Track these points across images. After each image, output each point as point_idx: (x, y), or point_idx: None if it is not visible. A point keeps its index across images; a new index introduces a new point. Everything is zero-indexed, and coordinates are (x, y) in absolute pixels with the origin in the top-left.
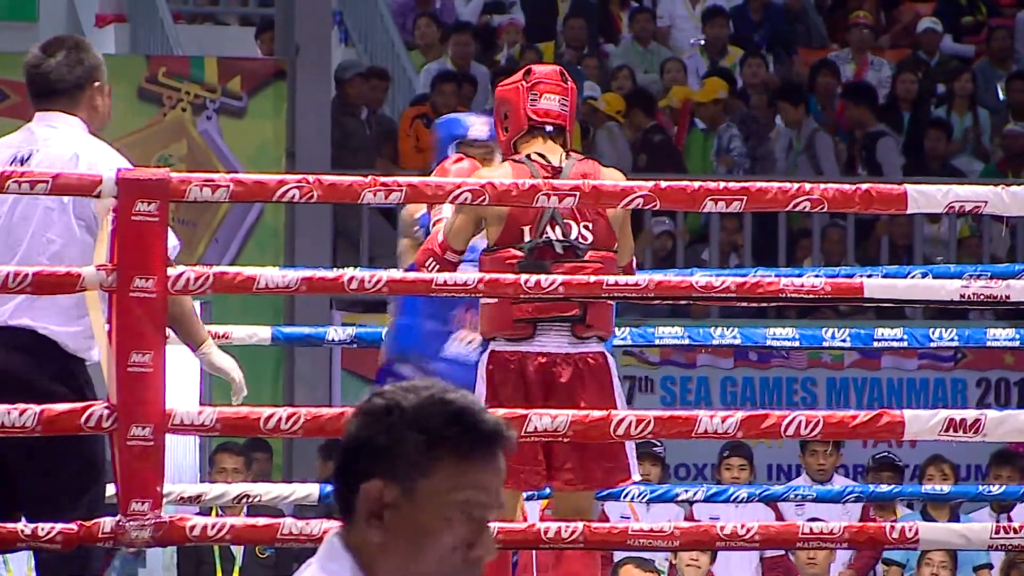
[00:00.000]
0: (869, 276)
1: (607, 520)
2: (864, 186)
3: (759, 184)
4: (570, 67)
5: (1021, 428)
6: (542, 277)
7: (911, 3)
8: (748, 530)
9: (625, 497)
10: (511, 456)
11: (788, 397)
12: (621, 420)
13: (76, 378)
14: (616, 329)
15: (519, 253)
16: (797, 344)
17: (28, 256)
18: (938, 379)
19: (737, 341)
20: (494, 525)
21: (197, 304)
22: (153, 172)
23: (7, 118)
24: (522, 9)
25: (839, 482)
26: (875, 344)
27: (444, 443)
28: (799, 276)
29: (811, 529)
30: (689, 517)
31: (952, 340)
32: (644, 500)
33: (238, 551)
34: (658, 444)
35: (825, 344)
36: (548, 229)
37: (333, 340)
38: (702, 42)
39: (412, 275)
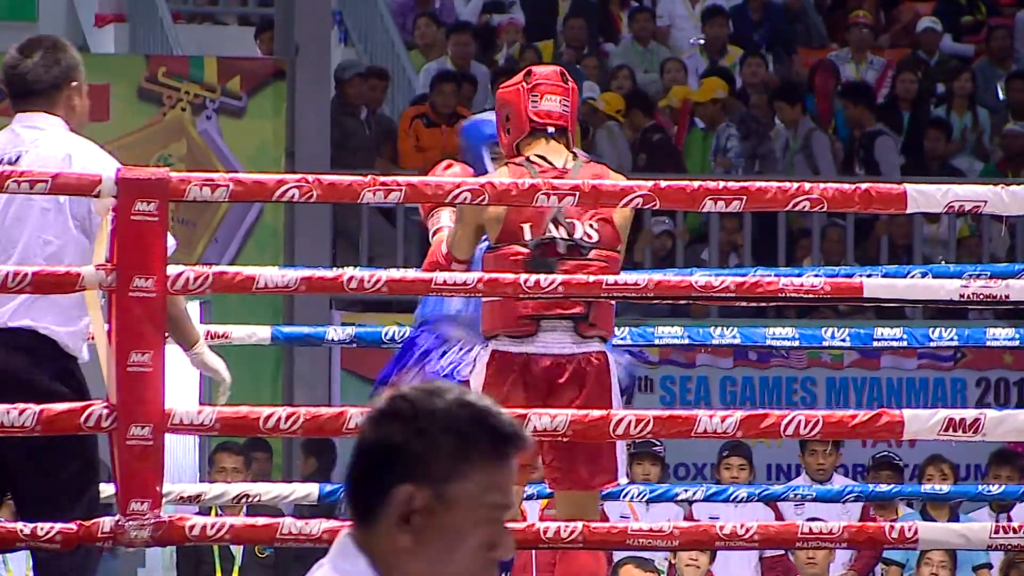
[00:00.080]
0: (869, 276)
1: (607, 520)
2: (864, 186)
3: (759, 184)
4: (570, 67)
5: (1020, 428)
6: (542, 277)
7: (911, 2)
8: (747, 530)
9: (625, 497)
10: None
11: (787, 397)
12: (621, 420)
13: (75, 377)
14: (616, 329)
15: (524, 250)
16: (797, 344)
17: (25, 257)
18: (937, 379)
19: (737, 341)
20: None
21: (196, 304)
22: (153, 172)
23: (7, 117)
24: (522, 9)
25: (839, 482)
26: (875, 344)
27: (475, 447)
28: (799, 276)
29: (810, 529)
30: (688, 517)
31: (952, 340)
32: (643, 500)
33: (237, 551)
34: (658, 444)
35: (825, 344)
36: (552, 228)
37: (333, 340)
38: (701, 42)
39: (412, 275)
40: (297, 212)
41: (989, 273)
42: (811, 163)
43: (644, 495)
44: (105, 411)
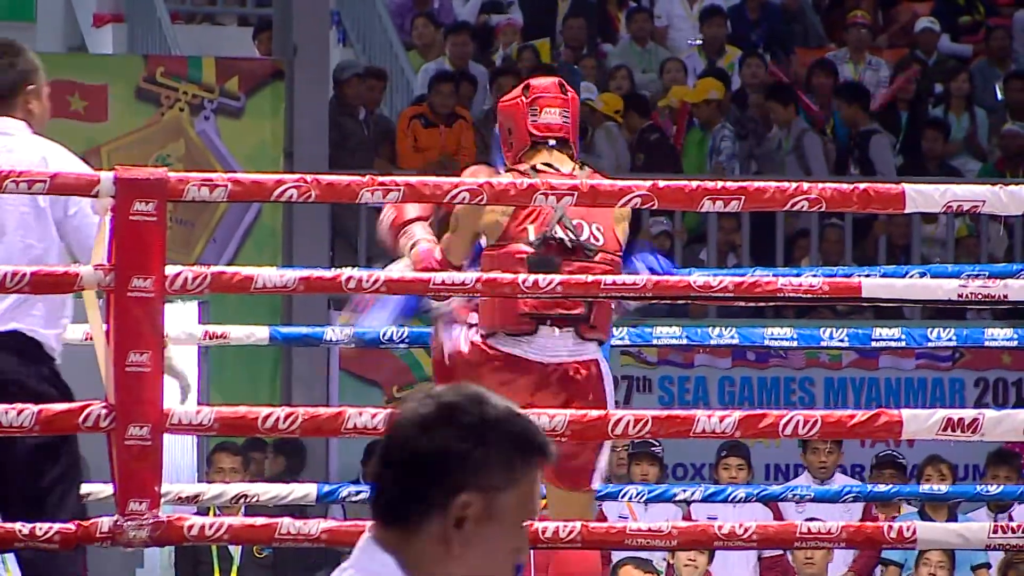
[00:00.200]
0: (867, 276)
1: (605, 520)
2: (862, 186)
3: (757, 184)
4: (568, 67)
5: (1019, 428)
6: (540, 277)
7: (909, 3)
8: (746, 530)
9: (623, 497)
10: None
11: (786, 397)
12: (619, 420)
13: (60, 379)
14: (614, 329)
15: (527, 249)
16: (795, 344)
17: (8, 261)
18: (936, 379)
19: (735, 341)
20: None
21: (195, 304)
22: (151, 172)
23: None
24: (520, 9)
25: (840, 480)
26: (873, 344)
27: (524, 460)
28: (797, 276)
29: (809, 529)
30: (687, 517)
31: (950, 340)
32: (642, 500)
33: (236, 551)
34: (656, 444)
35: (823, 344)
36: (556, 228)
37: (331, 340)
38: (699, 42)
39: (410, 274)
40: (295, 212)
41: (987, 273)
42: (803, 163)
43: (642, 495)
44: (104, 411)
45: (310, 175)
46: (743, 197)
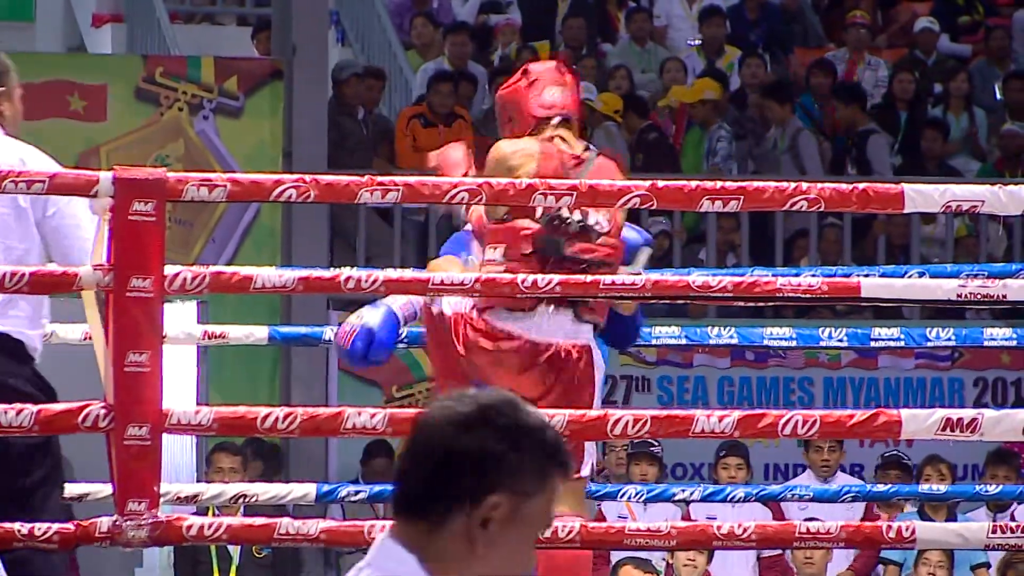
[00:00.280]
0: (866, 276)
1: (604, 520)
2: (861, 185)
3: (756, 183)
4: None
5: (1018, 427)
6: (539, 276)
7: (908, 3)
8: (745, 530)
9: (622, 497)
10: None
11: (785, 396)
12: (618, 419)
13: (43, 379)
14: None
15: (534, 225)
16: (794, 344)
17: None
18: (935, 378)
19: (734, 341)
20: None
21: (194, 303)
22: (150, 172)
23: None
24: (519, 9)
25: (841, 480)
26: (872, 344)
27: (553, 469)
28: (796, 276)
29: (808, 528)
30: (686, 517)
31: (949, 340)
32: (641, 500)
33: (235, 551)
34: (655, 444)
35: (822, 344)
36: (564, 209)
37: (330, 340)
38: (699, 42)
39: (409, 274)
40: (294, 212)
41: (986, 273)
42: (798, 163)
43: (641, 495)
44: (103, 411)
45: (309, 175)
46: (742, 197)
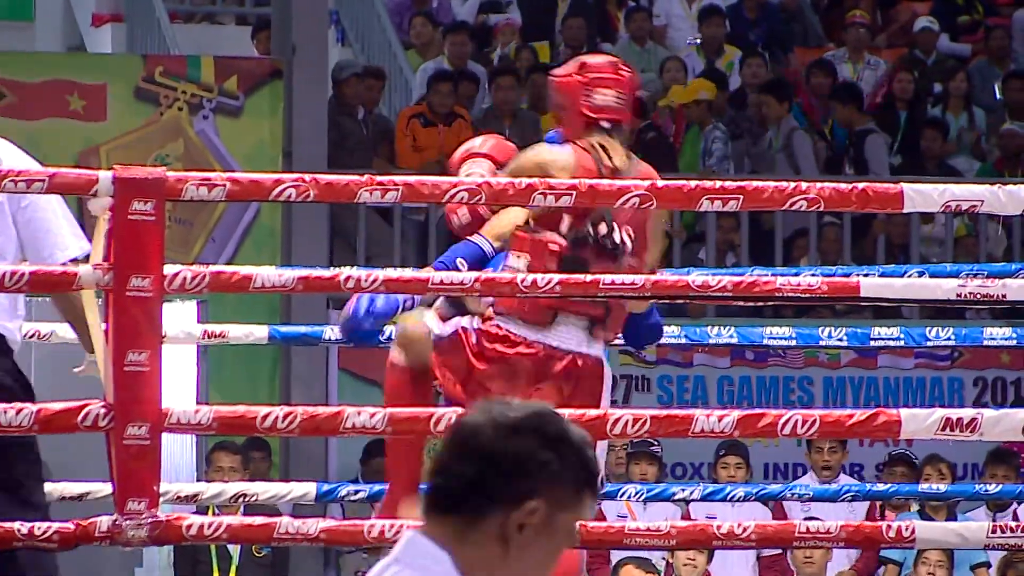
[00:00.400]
0: (866, 275)
1: (604, 519)
2: (861, 185)
3: (755, 183)
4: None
5: (1017, 427)
6: (539, 276)
7: (908, 2)
8: (745, 529)
9: (622, 496)
10: None
11: (785, 396)
12: (618, 419)
13: (21, 374)
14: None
15: (562, 242)
16: (794, 343)
17: None
18: (935, 378)
19: (734, 340)
20: None
21: (194, 303)
22: (149, 171)
23: (5, 117)
24: (519, 8)
25: (842, 480)
26: (872, 343)
27: (588, 486)
28: (796, 275)
29: (808, 528)
30: (686, 516)
31: (949, 339)
32: (641, 499)
33: (235, 550)
34: (655, 443)
35: (822, 343)
36: (591, 226)
37: (330, 339)
38: (698, 41)
39: (409, 274)
40: (294, 212)
41: (986, 272)
42: (792, 162)
43: (641, 495)
44: (102, 410)
45: (309, 174)
46: (742, 196)
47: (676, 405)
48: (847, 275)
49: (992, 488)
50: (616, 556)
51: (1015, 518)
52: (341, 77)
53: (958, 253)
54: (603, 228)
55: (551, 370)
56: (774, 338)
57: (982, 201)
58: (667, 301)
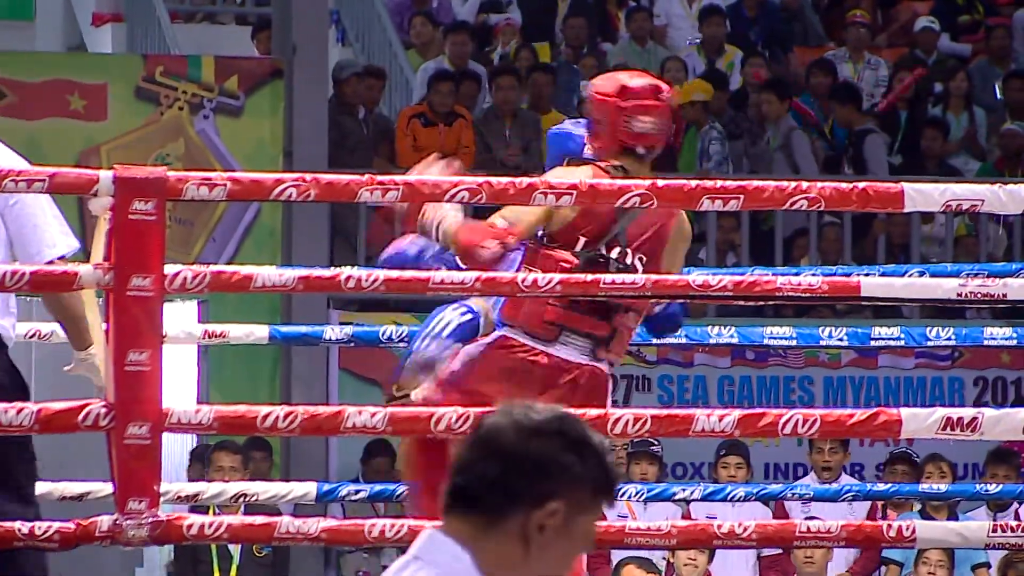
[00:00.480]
0: (866, 275)
1: (604, 519)
2: (861, 185)
3: (756, 183)
4: (568, 66)
5: (1018, 427)
6: (539, 276)
7: (908, 2)
8: (745, 529)
9: (622, 496)
10: None
11: (785, 396)
12: (619, 419)
13: (16, 370)
14: None
15: (575, 260)
16: (794, 343)
17: None
18: (935, 378)
19: (734, 340)
20: None
21: (195, 303)
22: (150, 171)
23: (6, 117)
24: (519, 8)
25: (843, 480)
26: (872, 343)
27: (606, 492)
28: (796, 275)
29: (808, 528)
30: (686, 516)
31: (949, 339)
32: (641, 499)
33: (236, 550)
34: (655, 443)
35: (822, 343)
36: (604, 247)
37: (330, 339)
38: (698, 41)
39: (409, 274)
40: (295, 211)
41: (986, 272)
42: (791, 161)
43: (642, 494)
44: (103, 410)
45: (309, 174)
46: (742, 196)
47: (677, 405)
48: (847, 275)
49: (993, 488)
50: (617, 556)
51: (1016, 518)
52: (341, 77)
53: (958, 253)
54: (615, 251)
55: (557, 381)
56: (775, 338)
57: (983, 201)
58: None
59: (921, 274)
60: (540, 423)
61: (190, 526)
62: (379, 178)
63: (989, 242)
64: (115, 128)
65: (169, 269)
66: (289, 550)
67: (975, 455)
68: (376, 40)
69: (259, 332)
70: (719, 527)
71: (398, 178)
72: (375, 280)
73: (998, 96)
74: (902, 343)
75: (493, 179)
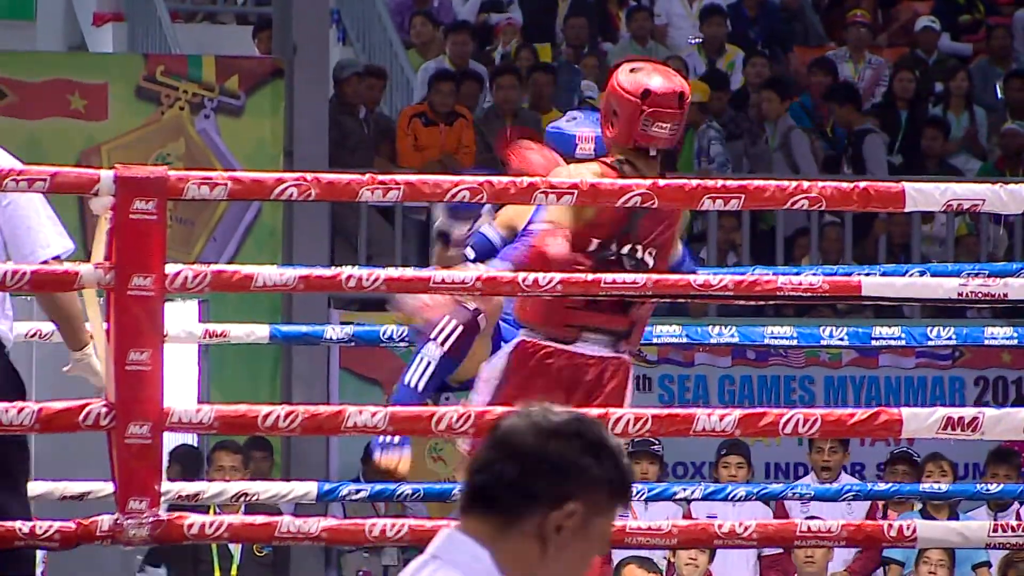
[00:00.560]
0: (867, 274)
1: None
2: (862, 184)
3: (757, 182)
4: (569, 66)
5: (1019, 426)
6: (540, 275)
7: (909, 1)
8: (746, 528)
9: None
10: None
11: (786, 395)
12: (619, 418)
13: (16, 372)
14: None
15: (588, 262)
16: (795, 343)
17: None
18: (936, 377)
19: (735, 340)
20: None
21: (195, 302)
22: (151, 170)
23: (6, 117)
24: (520, 8)
25: (843, 480)
26: (873, 343)
27: (621, 494)
28: (797, 275)
29: (809, 527)
30: (687, 515)
31: (950, 338)
32: (642, 499)
33: (236, 549)
34: (656, 442)
35: (823, 343)
36: (615, 244)
37: (331, 338)
38: (699, 40)
39: (410, 273)
40: (295, 211)
41: (987, 272)
42: (790, 161)
43: (642, 494)
44: (104, 409)
45: (310, 174)
46: (743, 196)
47: (677, 404)
48: (848, 274)
49: (993, 488)
50: (618, 556)
51: (1017, 517)
52: (342, 76)
53: (959, 252)
54: (627, 248)
55: (584, 377)
56: (775, 337)
57: (983, 200)
58: (668, 300)
59: (922, 274)
60: (558, 425)
61: (191, 526)
62: (380, 178)
63: (990, 242)
64: (116, 128)
65: (170, 268)
66: (290, 550)
67: (976, 455)
68: (377, 40)
69: (260, 332)
70: (720, 527)
71: (399, 178)
72: (376, 280)
73: (999, 96)
74: (903, 343)
75: (494, 179)
